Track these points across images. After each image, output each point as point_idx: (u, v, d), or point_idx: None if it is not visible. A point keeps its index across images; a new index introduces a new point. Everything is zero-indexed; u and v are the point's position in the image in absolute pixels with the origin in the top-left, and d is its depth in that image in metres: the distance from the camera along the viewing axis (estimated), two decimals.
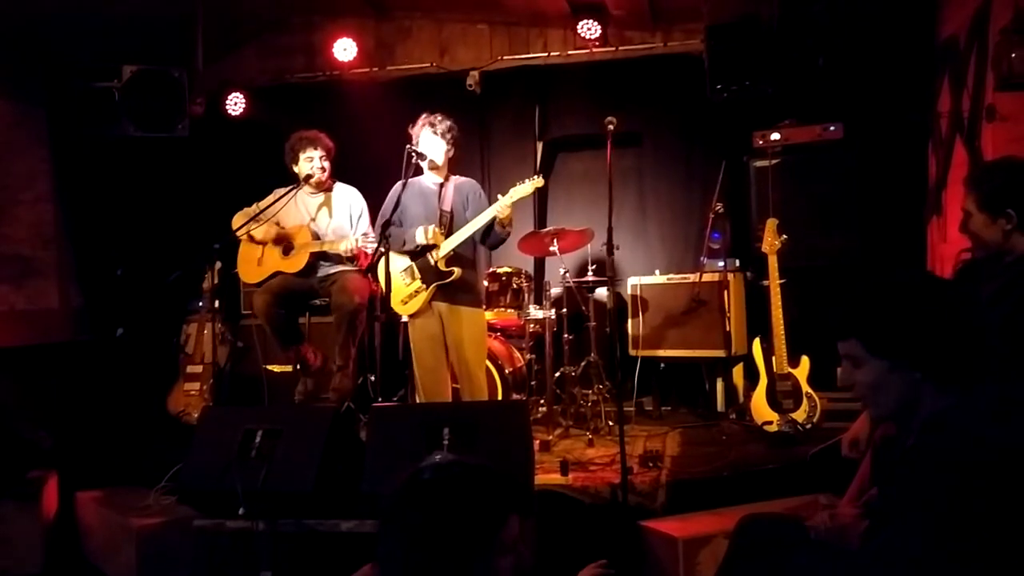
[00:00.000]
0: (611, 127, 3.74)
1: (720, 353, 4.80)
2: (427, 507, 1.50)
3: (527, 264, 5.32)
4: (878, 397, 1.60)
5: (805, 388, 3.93)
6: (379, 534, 1.56)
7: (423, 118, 4.15)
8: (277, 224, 4.49)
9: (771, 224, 4.15)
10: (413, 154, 3.99)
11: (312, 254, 4.40)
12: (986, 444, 1.41)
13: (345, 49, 5.72)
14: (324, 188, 4.59)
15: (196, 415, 4.50)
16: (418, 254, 4.12)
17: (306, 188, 4.51)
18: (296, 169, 4.51)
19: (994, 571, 1.36)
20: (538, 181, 4.03)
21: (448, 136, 4.15)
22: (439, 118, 4.14)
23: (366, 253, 4.27)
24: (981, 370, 1.50)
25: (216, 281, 4.60)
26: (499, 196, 4.02)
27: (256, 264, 4.50)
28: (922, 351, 1.51)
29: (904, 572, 1.40)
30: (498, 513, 1.53)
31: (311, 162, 4.47)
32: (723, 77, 4.70)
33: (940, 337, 1.50)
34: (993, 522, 1.36)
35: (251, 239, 4.47)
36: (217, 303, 4.58)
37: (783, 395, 3.98)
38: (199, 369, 4.98)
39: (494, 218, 4.01)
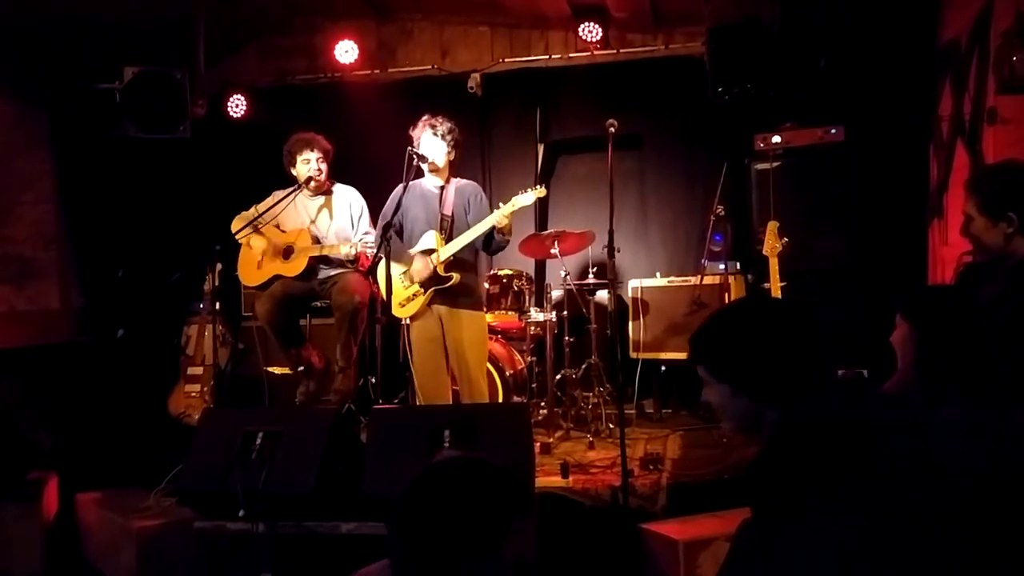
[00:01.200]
0: (612, 129, 3.74)
1: None
2: (445, 500, 1.52)
3: (528, 266, 5.32)
4: (725, 416, 1.71)
5: None
6: (391, 530, 1.56)
7: (424, 120, 4.15)
8: (277, 227, 4.49)
9: (772, 227, 4.15)
10: (414, 156, 3.99)
11: (312, 258, 4.40)
12: (832, 434, 1.49)
13: (347, 51, 5.72)
14: (323, 190, 4.58)
15: (197, 416, 4.52)
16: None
17: (305, 191, 4.51)
18: (294, 172, 4.51)
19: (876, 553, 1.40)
20: (540, 191, 4.03)
21: (449, 138, 4.14)
22: (440, 120, 4.13)
23: (367, 256, 4.27)
24: (805, 387, 1.57)
25: (217, 283, 4.60)
26: (500, 204, 4.01)
27: (256, 267, 4.51)
28: (745, 377, 1.61)
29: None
30: (510, 510, 1.54)
31: (307, 164, 4.46)
32: (724, 79, 4.70)
33: (759, 363, 1.59)
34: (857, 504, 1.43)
35: (251, 244, 4.48)
36: (218, 305, 4.58)
37: None
38: (200, 371, 4.99)
39: (494, 226, 4.00)
